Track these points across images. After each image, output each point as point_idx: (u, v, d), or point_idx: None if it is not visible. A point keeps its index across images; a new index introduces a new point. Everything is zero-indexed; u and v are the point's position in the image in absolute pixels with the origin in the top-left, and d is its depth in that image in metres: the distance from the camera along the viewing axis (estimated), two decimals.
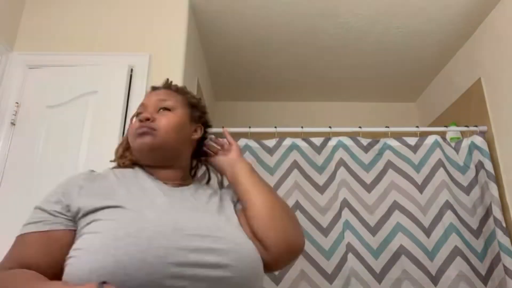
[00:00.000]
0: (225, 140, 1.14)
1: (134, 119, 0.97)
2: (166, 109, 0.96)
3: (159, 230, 0.72)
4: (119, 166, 0.98)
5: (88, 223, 0.75)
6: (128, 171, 0.94)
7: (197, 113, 1.05)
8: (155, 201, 0.83)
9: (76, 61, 1.85)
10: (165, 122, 0.93)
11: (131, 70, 1.83)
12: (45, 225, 0.77)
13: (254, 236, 0.83)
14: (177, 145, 0.95)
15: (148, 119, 0.91)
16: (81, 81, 1.80)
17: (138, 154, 0.94)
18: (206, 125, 1.10)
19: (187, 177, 1.02)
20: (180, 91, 1.04)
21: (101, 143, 1.65)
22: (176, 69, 1.86)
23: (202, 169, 1.16)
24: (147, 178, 0.91)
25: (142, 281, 0.64)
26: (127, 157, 0.98)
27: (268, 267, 0.82)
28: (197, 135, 1.04)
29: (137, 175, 0.92)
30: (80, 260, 0.68)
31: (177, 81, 1.82)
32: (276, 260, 0.82)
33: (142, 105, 0.98)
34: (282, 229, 0.84)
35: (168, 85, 1.05)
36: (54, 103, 1.77)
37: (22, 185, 1.63)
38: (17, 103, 1.78)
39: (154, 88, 1.04)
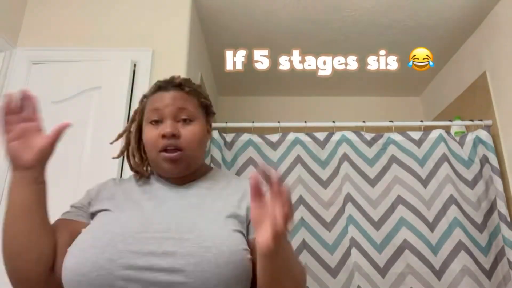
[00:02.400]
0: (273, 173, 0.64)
1: (151, 128, 0.88)
2: (188, 119, 0.88)
3: (121, 232, 0.73)
4: (142, 175, 0.93)
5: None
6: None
7: (210, 113, 0.98)
8: (144, 202, 0.84)
9: (80, 57, 1.85)
10: (190, 137, 0.87)
11: (134, 65, 1.83)
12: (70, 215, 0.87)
13: None
14: (201, 156, 0.93)
15: (174, 135, 0.84)
16: (85, 76, 1.80)
17: (162, 173, 0.90)
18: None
19: (201, 168, 0.96)
20: (193, 92, 0.93)
21: (105, 138, 1.65)
22: (179, 64, 1.86)
23: None
24: (156, 181, 0.91)
25: (94, 281, 0.68)
26: (145, 165, 0.94)
27: None
28: (210, 134, 1.00)
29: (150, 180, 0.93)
30: (66, 255, 0.75)
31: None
32: None
33: (157, 110, 0.88)
34: None
35: (179, 86, 0.91)
36: (58, 99, 1.77)
37: None
38: None
39: (162, 88, 0.92)
